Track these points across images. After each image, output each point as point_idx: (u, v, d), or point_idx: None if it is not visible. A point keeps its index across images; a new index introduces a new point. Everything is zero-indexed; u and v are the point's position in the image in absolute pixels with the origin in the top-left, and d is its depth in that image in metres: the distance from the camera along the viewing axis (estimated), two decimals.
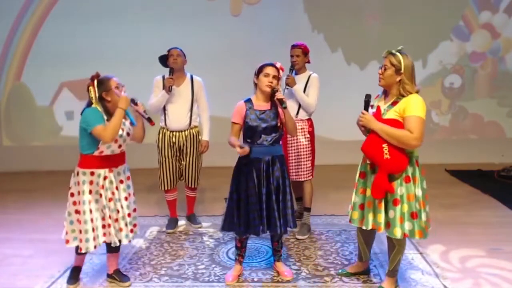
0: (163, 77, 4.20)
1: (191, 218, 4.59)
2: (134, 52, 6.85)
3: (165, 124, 4.23)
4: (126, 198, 3.24)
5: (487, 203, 5.13)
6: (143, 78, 6.60)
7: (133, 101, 3.20)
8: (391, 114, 2.86)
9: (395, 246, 3.02)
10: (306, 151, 4.13)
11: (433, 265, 3.60)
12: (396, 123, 2.82)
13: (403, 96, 2.84)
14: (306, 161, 4.14)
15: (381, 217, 2.92)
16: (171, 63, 4.12)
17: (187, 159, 4.28)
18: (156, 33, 6.80)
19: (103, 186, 3.10)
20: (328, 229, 4.38)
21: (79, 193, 3.10)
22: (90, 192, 3.09)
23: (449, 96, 7.04)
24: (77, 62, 6.87)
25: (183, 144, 4.23)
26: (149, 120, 3.25)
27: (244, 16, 6.90)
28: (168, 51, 4.18)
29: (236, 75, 5.96)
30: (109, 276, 3.43)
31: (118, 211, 3.17)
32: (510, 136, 7.06)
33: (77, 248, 3.20)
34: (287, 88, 4.07)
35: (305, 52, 4.09)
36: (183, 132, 4.23)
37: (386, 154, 2.82)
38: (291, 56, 4.09)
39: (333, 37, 6.90)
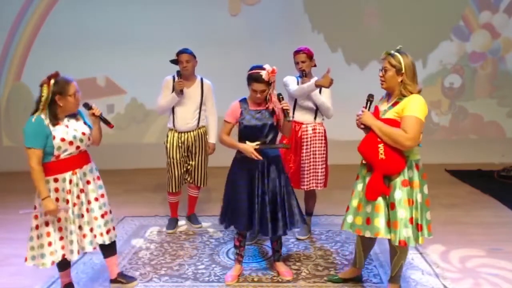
0: (173, 77, 4.19)
1: (192, 218, 4.59)
2: (134, 53, 6.84)
3: (173, 126, 4.25)
4: (96, 199, 3.02)
5: (487, 203, 5.13)
6: (142, 79, 6.68)
7: (87, 106, 3.08)
8: (390, 114, 2.81)
9: (397, 252, 2.95)
10: (321, 156, 3.97)
11: (433, 265, 3.60)
12: (394, 123, 2.77)
13: (405, 96, 2.78)
14: (322, 168, 3.97)
15: (379, 222, 2.82)
16: (183, 70, 4.10)
17: (196, 158, 4.30)
18: (155, 32, 6.81)
19: (69, 191, 2.90)
20: (328, 229, 4.38)
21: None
22: (57, 200, 2.88)
23: (449, 96, 7.04)
24: (77, 62, 6.87)
25: (192, 144, 4.25)
26: (107, 122, 3.10)
27: (244, 16, 6.90)
28: (178, 55, 4.13)
29: (236, 76, 5.98)
30: (113, 281, 3.35)
31: (82, 216, 2.96)
32: (510, 136, 7.06)
33: (57, 265, 3.03)
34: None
35: (310, 56, 3.87)
36: (191, 132, 4.25)
37: (381, 154, 2.76)
38: (296, 63, 3.88)
39: (333, 37, 6.90)
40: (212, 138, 4.33)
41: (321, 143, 3.97)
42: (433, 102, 6.98)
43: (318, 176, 3.98)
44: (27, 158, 2.82)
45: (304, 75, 3.84)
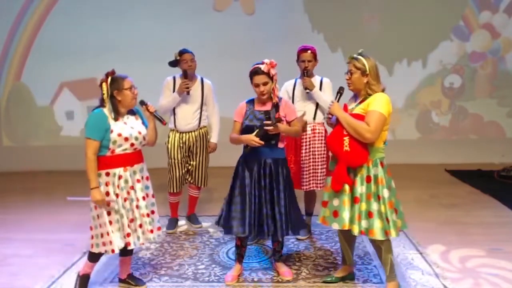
0: (174, 78, 4.21)
1: (192, 218, 4.59)
2: (134, 53, 6.85)
3: (175, 126, 4.26)
4: (144, 198, 3.12)
5: (487, 203, 5.13)
6: (142, 78, 6.67)
7: (142, 103, 3.21)
8: (357, 111, 2.97)
9: (381, 247, 3.01)
10: (321, 157, 3.96)
11: (433, 265, 3.60)
12: (359, 117, 2.92)
13: (370, 95, 2.97)
14: (322, 168, 3.96)
15: (346, 215, 2.98)
16: (188, 69, 4.10)
17: (197, 159, 4.31)
18: (156, 32, 6.82)
19: (118, 186, 3.01)
20: (328, 229, 4.36)
21: None
22: (107, 194, 2.97)
23: (449, 96, 7.04)
24: (77, 62, 6.88)
25: (193, 144, 4.27)
26: (161, 120, 3.22)
27: (244, 16, 6.91)
28: (180, 55, 4.14)
29: (236, 75, 5.99)
30: (121, 281, 3.36)
31: (133, 211, 3.07)
32: (510, 136, 7.07)
33: (90, 255, 3.11)
34: (308, 92, 3.85)
35: (315, 55, 3.86)
36: (192, 133, 4.26)
37: (346, 146, 2.92)
38: (302, 61, 3.84)
39: (333, 37, 6.90)
40: (213, 138, 4.35)
41: (321, 144, 3.96)
42: (433, 102, 6.99)
43: (318, 176, 3.97)
44: (85, 147, 2.95)
45: (306, 74, 3.82)
